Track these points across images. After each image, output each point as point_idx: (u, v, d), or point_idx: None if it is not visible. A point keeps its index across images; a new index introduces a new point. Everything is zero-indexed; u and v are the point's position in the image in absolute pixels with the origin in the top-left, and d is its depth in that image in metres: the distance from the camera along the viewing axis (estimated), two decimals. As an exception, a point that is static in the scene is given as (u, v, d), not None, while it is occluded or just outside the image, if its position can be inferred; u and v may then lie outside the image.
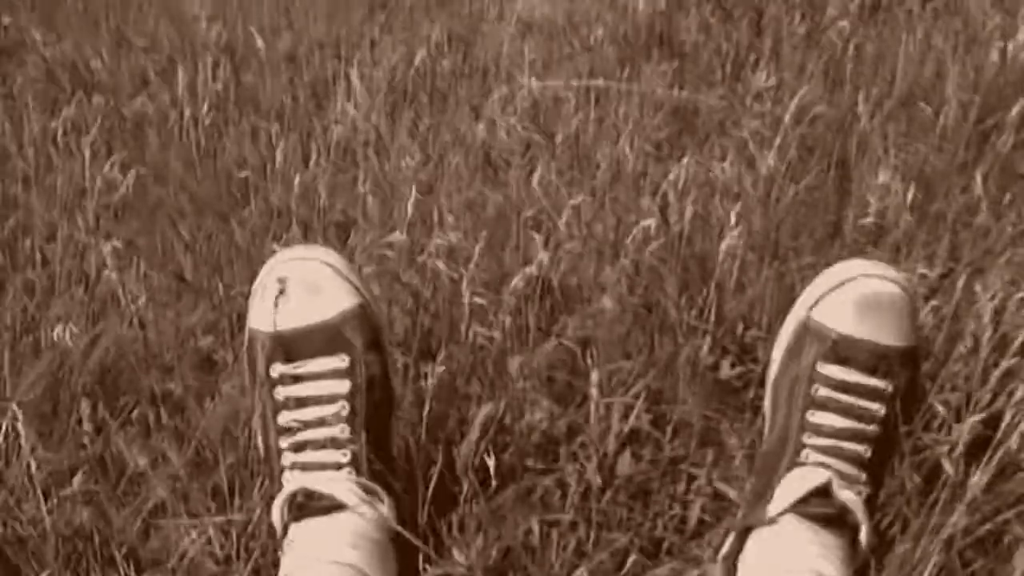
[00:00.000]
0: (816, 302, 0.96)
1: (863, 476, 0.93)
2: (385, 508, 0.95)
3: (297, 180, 1.41)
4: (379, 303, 1.04)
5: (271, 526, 0.96)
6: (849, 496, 0.91)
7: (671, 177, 1.32)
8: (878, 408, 0.93)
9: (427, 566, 0.96)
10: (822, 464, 0.93)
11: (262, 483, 1.02)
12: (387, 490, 0.97)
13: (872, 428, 0.93)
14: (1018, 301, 1.09)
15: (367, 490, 0.95)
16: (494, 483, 1.00)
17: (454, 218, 1.36)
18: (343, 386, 0.97)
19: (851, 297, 0.95)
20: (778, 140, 1.43)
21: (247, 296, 1.01)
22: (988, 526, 0.95)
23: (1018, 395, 0.98)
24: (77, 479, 1.04)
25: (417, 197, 1.22)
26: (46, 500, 1.00)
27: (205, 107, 1.77)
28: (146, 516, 1.02)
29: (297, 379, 0.97)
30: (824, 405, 0.94)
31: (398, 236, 1.26)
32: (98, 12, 2.48)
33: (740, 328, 1.21)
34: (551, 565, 0.98)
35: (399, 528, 0.95)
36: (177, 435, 1.11)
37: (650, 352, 1.18)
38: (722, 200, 1.39)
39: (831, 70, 1.87)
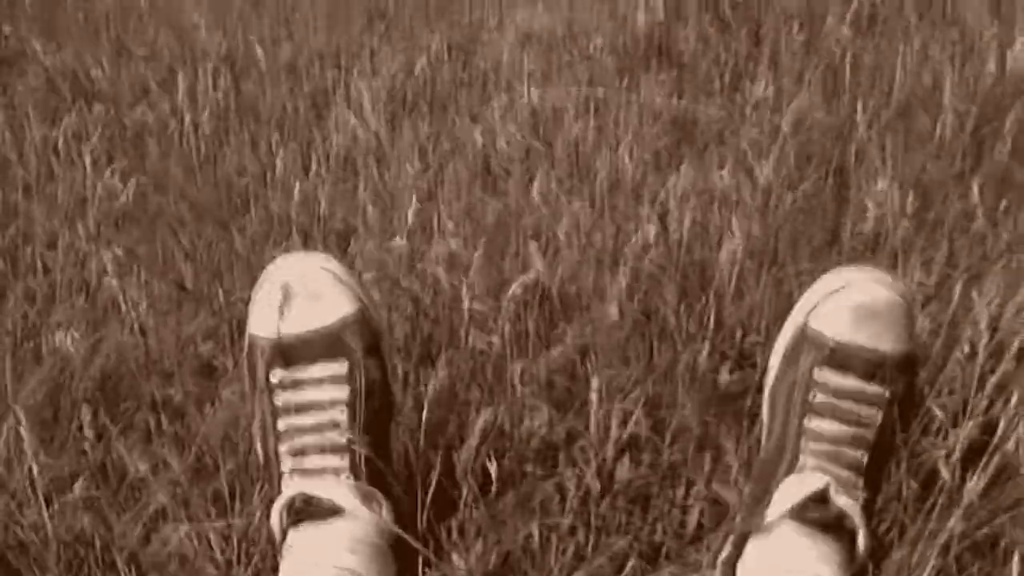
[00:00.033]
0: (813, 309, 0.97)
1: (860, 482, 0.93)
2: (384, 513, 0.95)
3: (297, 188, 1.42)
4: (379, 309, 1.04)
5: (271, 531, 0.97)
6: (846, 502, 0.91)
7: (670, 185, 1.32)
8: (875, 414, 0.94)
9: (427, 570, 0.97)
10: (820, 470, 0.93)
11: (262, 488, 1.02)
12: (386, 495, 0.97)
13: (869, 434, 0.94)
14: (1014, 308, 1.10)
15: (366, 495, 0.95)
16: (494, 488, 1.01)
17: (454, 225, 1.37)
18: (343, 391, 0.97)
19: (848, 304, 0.95)
20: (776, 149, 1.44)
21: (247, 303, 1.01)
22: (985, 531, 0.96)
23: (1014, 401, 0.99)
24: (78, 485, 1.04)
25: (417, 205, 1.23)
26: (47, 506, 1.00)
27: (205, 116, 1.78)
28: (147, 521, 1.02)
29: (297, 384, 0.97)
30: (821, 411, 0.94)
31: (399, 242, 1.27)
32: (98, 22, 2.50)
33: (739, 334, 1.22)
34: (550, 569, 0.98)
35: (399, 531, 0.95)
36: (178, 441, 1.11)
37: (649, 358, 1.18)
38: (721, 208, 1.40)
39: (829, 80, 1.88)
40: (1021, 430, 0.97)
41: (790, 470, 0.94)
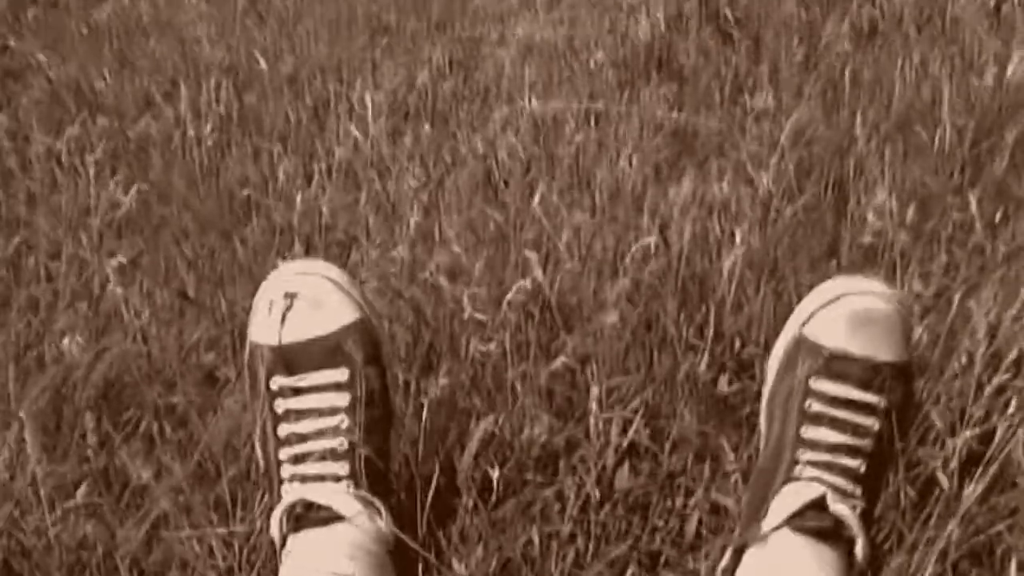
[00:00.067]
0: (808, 318, 0.97)
1: (858, 490, 0.93)
2: (384, 520, 0.96)
3: (299, 199, 1.42)
4: (380, 318, 1.05)
5: (271, 537, 0.97)
6: (844, 510, 0.91)
7: (671, 197, 1.33)
8: (872, 423, 0.94)
9: (426, 576, 0.97)
10: (816, 479, 0.93)
11: (263, 495, 1.03)
12: (386, 502, 0.97)
13: (866, 442, 0.94)
14: (1011, 318, 1.10)
15: (366, 502, 0.95)
16: (494, 495, 1.01)
17: (455, 235, 1.37)
18: (343, 399, 0.97)
19: (843, 313, 0.95)
20: (775, 161, 1.45)
21: (249, 312, 1.02)
22: (982, 538, 0.96)
23: (1011, 410, 0.99)
24: (81, 491, 1.04)
25: (419, 216, 1.23)
26: (51, 512, 1.01)
27: (208, 128, 1.79)
28: (149, 528, 1.03)
29: (297, 392, 0.98)
30: (818, 420, 0.94)
31: (401, 252, 1.27)
32: (102, 35, 2.51)
33: (738, 345, 1.22)
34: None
35: (399, 533, 0.96)
36: (180, 448, 1.12)
37: (649, 367, 1.19)
38: (720, 220, 1.40)
39: (828, 93, 1.89)
40: (1018, 438, 0.97)
41: (787, 479, 0.94)
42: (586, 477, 1.05)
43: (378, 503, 0.96)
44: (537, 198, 1.42)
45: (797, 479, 0.94)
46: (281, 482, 0.98)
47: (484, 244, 1.38)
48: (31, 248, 1.48)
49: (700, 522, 1.06)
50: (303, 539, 0.94)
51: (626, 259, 1.28)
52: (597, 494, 1.04)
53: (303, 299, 0.98)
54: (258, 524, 1.02)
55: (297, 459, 0.97)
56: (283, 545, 0.96)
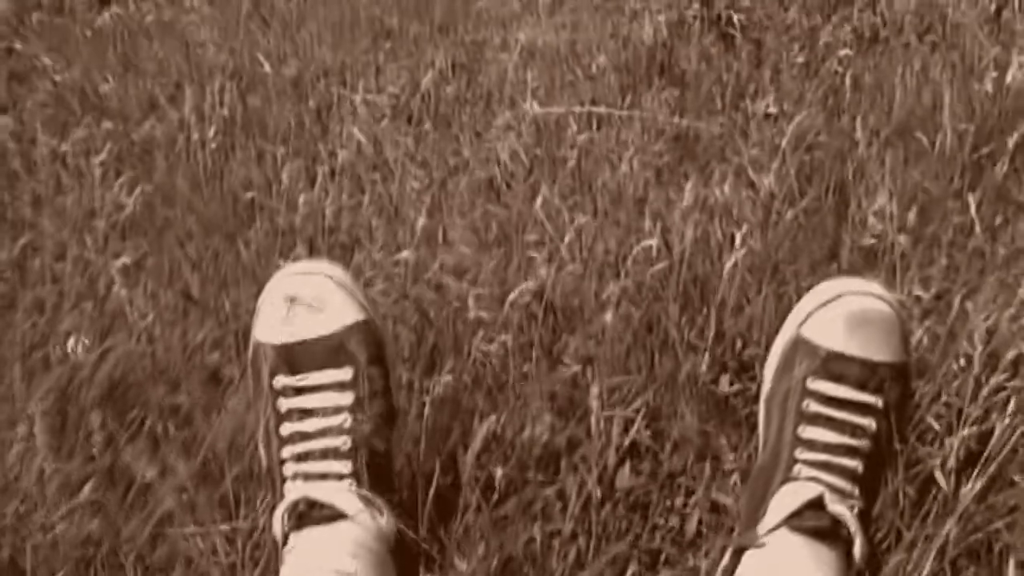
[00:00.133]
0: (806, 319, 0.98)
1: (856, 490, 0.94)
2: (386, 518, 0.96)
3: (302, 201, 1.43)
4: (384, 318, 1.06)
5: (274, 535, 0.98)
6: (841, 510, 0.91)
7: (672, 199, 1.33)
8: (869, 423, 0.94)
9: (428, 574, 0.98)
10: (814, 479, 0.93)
11: (266, 493, 1.03)
12: (388, 500, 0.98)
13: (864, 443, 0.94)
14: (1009, 319, 1.11)
15: (368, 500, 0.96)
16: (496, 494, 1.02)
17: (458, 238, 1.38)
18: (346, 398, 0.98)
19: (840, 314, 0.96)
20: (776, 165, 1.45)
21: (253, 313, 1.03)
22: (980, 536, 0.97)
23: (1009, 410, 1.00)
24: (87, 489, 1.05)
25: (424, 218, 1.24)
26: (56, 509, 1.01)
27: (212, 130, 1.80)
28: (154, 525, 1.03)
29: (300, 391, 0.98)
30: (815, 420, 0.95)
31: (405, 254, 1.28)
32: (106, 38, 2.52)
33: (739, 346, 1.23)
34: (551, 574, 0.99)
35: (403, 528, 0.96)
36: (184, 447, 1.12)
37: (650, 368, 1.19)
38: (722, 223, 1.41)
39: (830, 98, 1.90)
40: (1016, 437, 0.98)
41: (786, 479, 0.95)
42: (587, 476, 1.06)
43: (380, 501, 0.97)
44: (539, 200, 1.43)
45: (795, 479, 0.94)
46: (284, 480, 0.98)
47: (487, 246, 1.38)
48: (36, 250, 1.49)
49: (700, 521, 1.06)
50: (305, 537, 0.95)
51: (628, 261, 1.29)
52: (598, 493, 1.05)
53: (307, 299, 0.99)
54: (261, 522, 1.02)
55: (300, 457, 0.97)
56: (285, 543, 0.96)
